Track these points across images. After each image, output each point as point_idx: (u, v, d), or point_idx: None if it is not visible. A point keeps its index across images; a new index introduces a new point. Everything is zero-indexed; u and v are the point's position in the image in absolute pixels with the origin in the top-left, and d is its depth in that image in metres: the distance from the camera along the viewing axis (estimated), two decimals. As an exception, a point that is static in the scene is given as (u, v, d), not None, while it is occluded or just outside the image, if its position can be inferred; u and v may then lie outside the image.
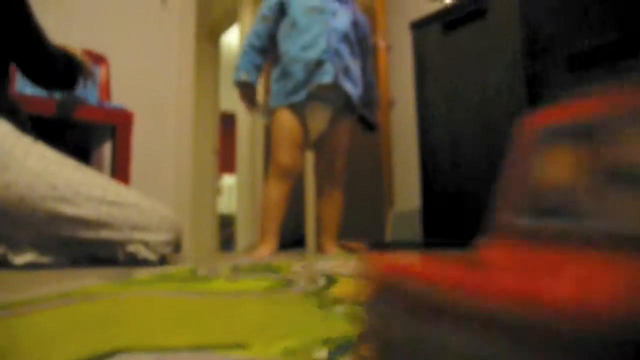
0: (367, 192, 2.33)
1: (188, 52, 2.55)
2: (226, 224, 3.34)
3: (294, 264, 0.63)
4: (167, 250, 1.14)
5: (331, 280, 0.42)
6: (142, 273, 0.68)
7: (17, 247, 0.95)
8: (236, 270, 0.58)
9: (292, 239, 2.64)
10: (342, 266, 0.61)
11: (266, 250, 1.36)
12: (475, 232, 1.15)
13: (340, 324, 0.27)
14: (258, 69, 1.47)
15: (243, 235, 3.34)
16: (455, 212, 1.67)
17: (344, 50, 1.41)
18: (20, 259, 0.94)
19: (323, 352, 0.21)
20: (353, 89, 1.41)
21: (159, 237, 1.12)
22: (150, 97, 2.34)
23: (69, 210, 0.98)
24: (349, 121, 1.48)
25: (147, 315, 0.31)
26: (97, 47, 1.98)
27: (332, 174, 1.45)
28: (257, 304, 0.35)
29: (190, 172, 2.50)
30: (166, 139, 2.43)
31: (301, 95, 1.38)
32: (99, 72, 1.97)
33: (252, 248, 1.49)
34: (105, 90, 1.94)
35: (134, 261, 1.07)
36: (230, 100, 3.83)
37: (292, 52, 1.41)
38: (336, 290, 0.35)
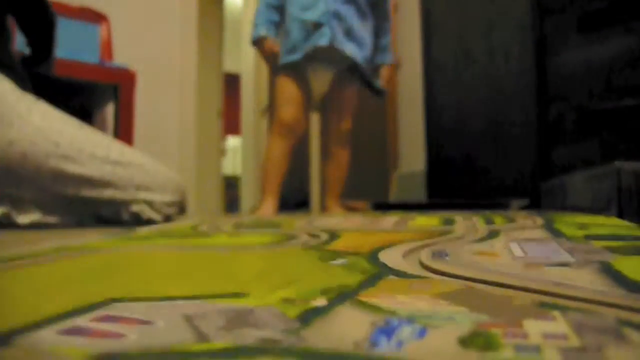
0: (372, 153, 2.32)
1: (191, 11, 2.50)
2: (230, 186, 3.35)
3: (297, 221, 0.63)
4: (171, 210, 1.15)
5: (333, 235, 0.41)
6: (143, 230, 0.68)
7: (21, 207, 0.95)
8: (238, 227, 0.58)
9: (296, 201, 2.65)
10: (346, 222, 0.60)
11: (267, 209, 1.37)
12: (480, 193, 1.15)
13: (340, 275, 0.27)
14: (276, 25, 1.47)
15: (247, 196, 3.36)
16: (460, 174, 1.66)
17: (348, 11, 1.38)
18: (25, 218, 0.94)
19: (322, 301, 0.20)
20: (356, 51, 1.39)
21: (164, 197, 1.12)
22: (152, 57, 2.31)
23: (72, 168, 0.98)
24: (356, 84, 1.46)
25: (144, 267, 0.30)
26: (97, 5, 1.94)
27: (337, 135, 1.45)
28: (256, 256, 0.35)
29: (194, 133, 2.48)
30: (169, 100, 2.41)
31: (297, 55, 1.38)
32: (100, 31, 1.93)
33: (255, 209, 1.50)
34: (107, 50, 1.91)
35: (139, 221, 1.07)
36: (235, 61, 3.78)
37: (293, 12, 1.40)
38: (338, 244, 0.35)
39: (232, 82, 4.07)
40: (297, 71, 1.41)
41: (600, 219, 0.53)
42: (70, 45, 1.78)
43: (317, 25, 1.36)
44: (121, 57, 1.95)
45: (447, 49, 1.74)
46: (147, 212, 1.08)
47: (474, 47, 1.65)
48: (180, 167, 2.20)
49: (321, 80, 1.43)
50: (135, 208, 1.06)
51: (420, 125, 1.88)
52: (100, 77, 1.62)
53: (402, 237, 0.35)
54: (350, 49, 1.37)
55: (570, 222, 0.47)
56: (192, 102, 2.48)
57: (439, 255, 0.31)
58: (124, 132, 1.63)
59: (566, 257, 0.29)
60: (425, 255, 0.31)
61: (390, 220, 0.56)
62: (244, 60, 3.24)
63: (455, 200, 1.56)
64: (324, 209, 1.45)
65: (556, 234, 0.40)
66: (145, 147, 1.89)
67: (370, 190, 2.20)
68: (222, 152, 3.37)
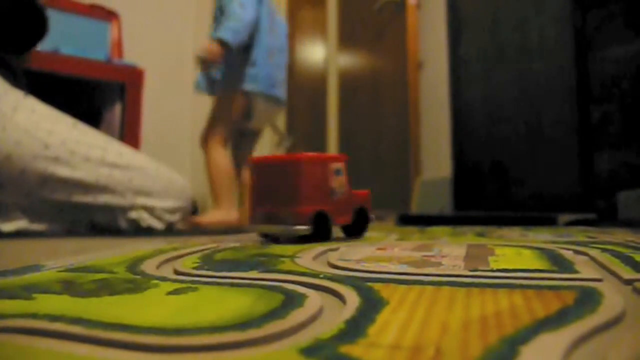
0: (393, 158, 2.20)
1: (206, 9, 2.42)
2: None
3: (302, 249, 0.40)
4: (174, 217, 1.04)
5: (370, 299, 0.20)
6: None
7: (4, 213, 0.85)
8: (207, 260, 0.35)
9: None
10: (387, 255, 0.35)
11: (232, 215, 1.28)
12: (512, 203, 1.01)
13: None
14: None
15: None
16: (490, 181, 1.53)
17: None
18: (9, 225, 0.84)
19: None
20: (200, 79, 1.51)
21: (166, 203, 1.02)
22: (165, 57, 2.22)
23: (63, 171, 0.88)
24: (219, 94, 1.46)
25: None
26: (108, 2, 1.86)
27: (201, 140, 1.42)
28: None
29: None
30: (184, 102, 2.32)
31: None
32: (110, 28, 1.86)
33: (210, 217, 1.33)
34: (117, 48, 1.83)
35: (138, 229, 0.97)
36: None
37: None
38: (383, 336, 0.15)
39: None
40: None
41: None
42: (79, 42, 1.70)
43: None
44: (133, 56, 1.87)
45: (476, 46, 1.62)
46: (147, 219, 0.98)
47: (506, 42, 1.52)
48: (194, 173, 2.10)
49: None
50: (133, 215, 0.96)
51: (446, 127, 1.75)
52: (106, 74, 1.53)
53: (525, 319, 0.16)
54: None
55: None
56: (206, 104, 2.39)
57: None
58: (130, 133, 1.53)
59: None
60: None
61: (452, 253, 0.36)
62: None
63: (488, 211, 1.43)
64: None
65: None
66: (156, 151, 1.79)
67: (391, 198, 2.08)
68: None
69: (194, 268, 0.31)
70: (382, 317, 0.17)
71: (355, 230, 0.62)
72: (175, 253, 0.39)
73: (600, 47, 1.28)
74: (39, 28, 1.06)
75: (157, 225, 1.00)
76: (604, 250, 0.36)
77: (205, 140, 1.38)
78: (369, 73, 2.46)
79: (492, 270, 0.27)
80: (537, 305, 0.18)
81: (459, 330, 0.15)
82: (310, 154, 0.59)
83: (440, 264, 0.30)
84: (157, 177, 1.01)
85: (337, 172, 0.60)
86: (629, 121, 1.21)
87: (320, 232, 0.55)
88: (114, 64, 1.58)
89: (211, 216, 1.25)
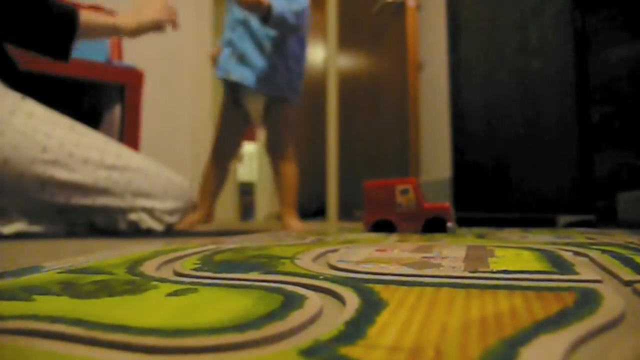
0: (393, 159, 2.20)
1: (205, 7, 2.42)
2: (246, 192, 3.26)
3: (300, 248, 0.42)
4: (174, 219, 1.04)
5: (370, 300, 0.20)
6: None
7: (4, 216, 0.85)
8: (207, 262, 0.34)
9: (314, 208, 2.54)
10: (387, 256, 0.35)
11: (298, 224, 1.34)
12: (512, 204, 1.01)
13: None
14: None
15: (263, 203, 3.26)
16: (490, 182, 1.53)
17: (239, 35, 1.39)
18: (8, 228, 0.84)
19: None
20: (247, 74, 1.35)
21: (165, 204, 1.02)
22: (165, 57, 2.23)
23: (61, 174, 0.88)
24: (287, 104, 1.41)
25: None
26: (106, 3, 1.86)
27: (278, 151, 1.40)
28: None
29: (209, 138, 2.39)
30: (183, 104, 2.32)
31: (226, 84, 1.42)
32: (110, 29, 1.86)
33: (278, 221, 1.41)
34: (117, 50, 1.83)
35: (137, 231, 0.97)
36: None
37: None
38: (381, 338, 0.15)
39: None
40: (231, 95, 1.44)
41: None
42: (79, 44, 1.70)
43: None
44: (133, 58, 1.87)
45: (476, 46, 1.62)
46: (147, 221, 0.98)
47: (505, 43, 1.52)
48: (193, 174, 2.10)
49: (253, 105, 1.41)
50: (133, 217, 0.96)
51: (446, 128, 1.75)
52: (106, 76, 1.53)
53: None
54: (237, 75, 1.34)
55: None
56: (207, 106, 2.39)
57: None
58: (130, 134, 1.53)
59: None
60: None
61: (452, 254, 0.36)
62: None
63: (487, 213, 1.43)
64: (281, 222, 1.39)
65: None
66: (156, 152, 1.79)
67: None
68: (239, 158, 3.28)
69: (194, 269, 0.31)
70: (382, 318, 0.17)
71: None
72: (175, 254, 0.39)
73: (600, 48, 1.29)
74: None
75: (157, 226, 1.00)
76: (604, 251, 0.36)
77: (283, 150, 1.39)
78: (368, 74, 2.46)
79: (492, 272, 0.27)
80: (536, 307, 0.18)
81: (459, 332, 0.15)
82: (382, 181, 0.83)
83: (440, 265, 0.30)
84: (157, 178, 1.01)
85: (403, 191, 0.79)
86: (629, 122, 1.21)
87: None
88: (114, 66, 1.58)
89: (298, 223, 1.34)
